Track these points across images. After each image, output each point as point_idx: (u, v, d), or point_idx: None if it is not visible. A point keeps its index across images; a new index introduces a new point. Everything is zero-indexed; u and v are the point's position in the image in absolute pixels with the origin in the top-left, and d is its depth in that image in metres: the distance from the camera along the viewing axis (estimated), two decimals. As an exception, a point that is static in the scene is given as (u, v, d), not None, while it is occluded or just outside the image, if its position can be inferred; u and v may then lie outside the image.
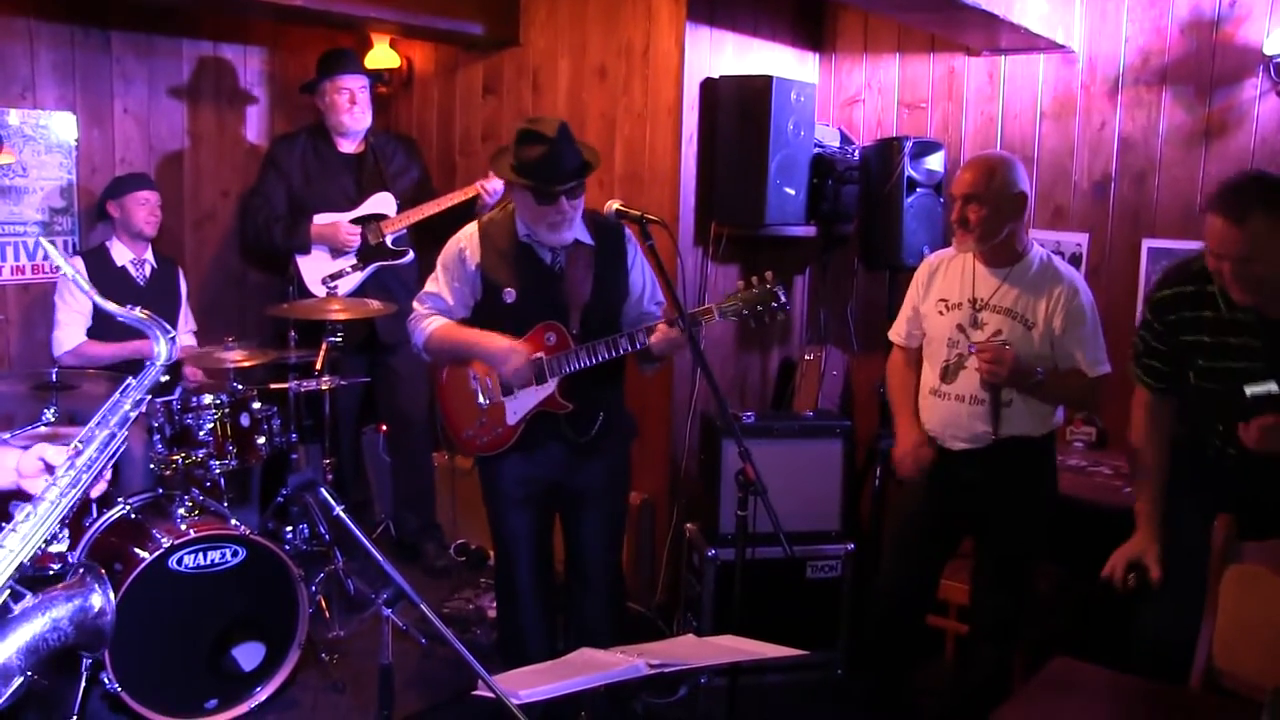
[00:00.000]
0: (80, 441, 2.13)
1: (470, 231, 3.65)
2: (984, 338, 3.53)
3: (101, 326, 4.70)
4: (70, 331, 4.73)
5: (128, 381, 2.19)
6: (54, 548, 2.16)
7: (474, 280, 3.61)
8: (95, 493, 2.20)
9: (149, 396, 2.22)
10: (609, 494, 3.77)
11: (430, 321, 3.65)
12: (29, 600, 2.02)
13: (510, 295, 3.54)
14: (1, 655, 1.95)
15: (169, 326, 2.23)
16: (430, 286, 3.71)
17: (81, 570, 2.15)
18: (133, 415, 2.18)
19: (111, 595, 2.14)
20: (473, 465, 4.08)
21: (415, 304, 3.73)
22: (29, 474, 2.19)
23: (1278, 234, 2.80)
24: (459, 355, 3.64)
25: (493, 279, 3.58)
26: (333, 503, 2.42)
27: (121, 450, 2.18)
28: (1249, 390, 3.02)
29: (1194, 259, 3.15)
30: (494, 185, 5.03)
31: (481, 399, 3.62)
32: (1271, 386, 3.00)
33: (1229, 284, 2.91)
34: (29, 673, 2.01)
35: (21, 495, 2.21)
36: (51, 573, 2.13)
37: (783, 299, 3.34)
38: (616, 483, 3.82)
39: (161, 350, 2.20)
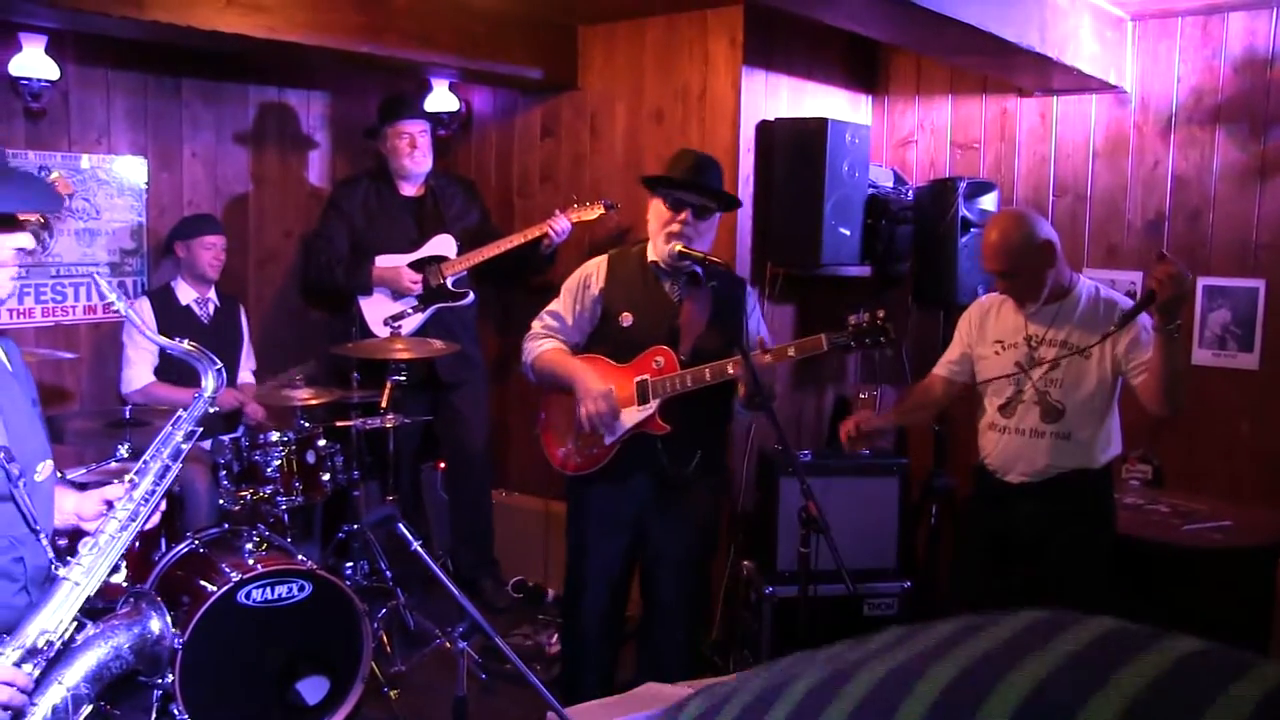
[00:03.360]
0: (135, 475, 2.22)
1: (599, 260, 3.78)
2: (1042, 372, 3.57)
3: (169, 368, 4.81)
4: (139, 371, 4.84)
5: (178, 414, 2.27)
6: (115, 578, 2.25)
7: (594, 306, 3.72)
8: (149, 525, 2.29)
9: (199, 429, 2.30)
10: (696, 540, 3.78)
11: (542, 344, 3.75)
12: (90, 629, 2.10)
13: (627, 320, 3.65)
14: (70, 682, 2.03)
15: (216, 359, 2.32)
16: (552, 306, 3.81)
17: (135, 598, 2.23)
18: (185, 447, 2.26)
19: (169, 621, 2.22)
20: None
21: (534, 322, 3.83)
22: (90, 516, 2.28)
23: None
24: (558, 383, 3.72)
25: (612, 304, 3.69)
26: (410, 538, 2.49)
27: (173, 482, 2.27)
28: None
29: None
30: (561, 225, 5.08)
31: (582, 420, 3.66)
32: None
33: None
34: (100, 701, 2.09)
35: (81, 531, 2.31)
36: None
37: (893, 336, 3.38)
38: (705, 530, 3.84)
39: (209, 383, 2.29)
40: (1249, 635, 4.09)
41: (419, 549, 2.47)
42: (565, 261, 5.19)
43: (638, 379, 3.59)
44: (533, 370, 3.79)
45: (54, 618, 2.02)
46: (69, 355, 4.76)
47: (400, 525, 2.49)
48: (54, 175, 4.88)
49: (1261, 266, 4.58)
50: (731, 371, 3.45)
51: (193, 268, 4.96)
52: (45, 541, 2.15)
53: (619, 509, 3.71)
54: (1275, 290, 4.55)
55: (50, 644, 2.01)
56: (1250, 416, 4.63)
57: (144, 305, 4.90)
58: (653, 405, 3.57)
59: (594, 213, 5.07)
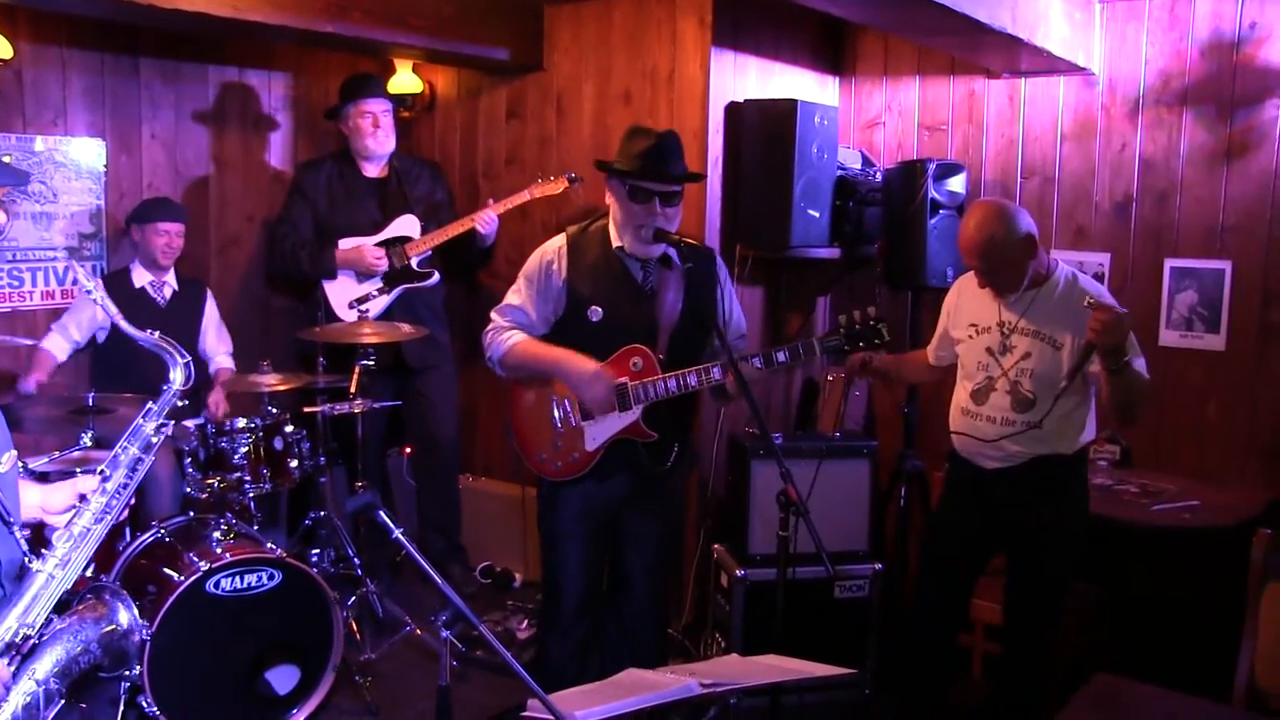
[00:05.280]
0: (107, 467, 2.17)
1: (558, 243, 3.51)
2: (1013, 361, 3.57)
3: (108, 359, 4.78)
4: (54, 341, 4.76)
5: (148, 406, 2.24)
6: (86, 572, 2.21)
7: (559, 295, 3.47)
8: (120, 517, 2.24)
9: (170, 421, 2.27)
10: (667, 522, 3.74)
11: (510, 335, 3.50)
12: (56, 623, 2.06)
13: (597, 314, 3.41)
14: (40, 676, 1.98)
15: (184, 352, 2.29)
16: (512, 299, 3.56)
17: (96, 592, 2.19)
18: (156, 440, 2.22)
19: (137, 614, 2.19)
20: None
21: (494, 315, 3.58)
22: (55, 509, 2.23)
23: None
24: (540, 373, 3.49)
25: (580, 295, 3.45)
26: (391, 525, 2.44)
27: (145, 473, 2.23)
28: None
29: None
30: (487, 217, 5.05)
31: (559, 422, 3.48)
32: None
33: None
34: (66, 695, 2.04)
35: (45, 525, 2.26)
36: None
37: (887, 337, 3.29)
38: (675, 511, 3.81)
39: (177, 375, 2.26)
40: (1220, 615, 4.13)
41: (400, 537, 2.43)
42: (532, 240, 5.14)
43: (616, 383, 3.40)
44: (502, 365, 3.54)
45: (31, 611, 1.97)
46: (27, 341, 4.65)
47: (381, 513, 2.44)
48: (7, 159, 4.76)
49: (1228, 248, 4.61)
50: (718, 376, 3.31)
51: (145, 252, 4.86)
52: (18, 534, 2.09)
53: (598, 506, 3.58)
54: (1241, 272, 4.58)
55: (28, 638, 1.96)
56: (1217, 397, 4.67)
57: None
58: (636, 411, 3.41)
59: (558, 187, 5.01)
